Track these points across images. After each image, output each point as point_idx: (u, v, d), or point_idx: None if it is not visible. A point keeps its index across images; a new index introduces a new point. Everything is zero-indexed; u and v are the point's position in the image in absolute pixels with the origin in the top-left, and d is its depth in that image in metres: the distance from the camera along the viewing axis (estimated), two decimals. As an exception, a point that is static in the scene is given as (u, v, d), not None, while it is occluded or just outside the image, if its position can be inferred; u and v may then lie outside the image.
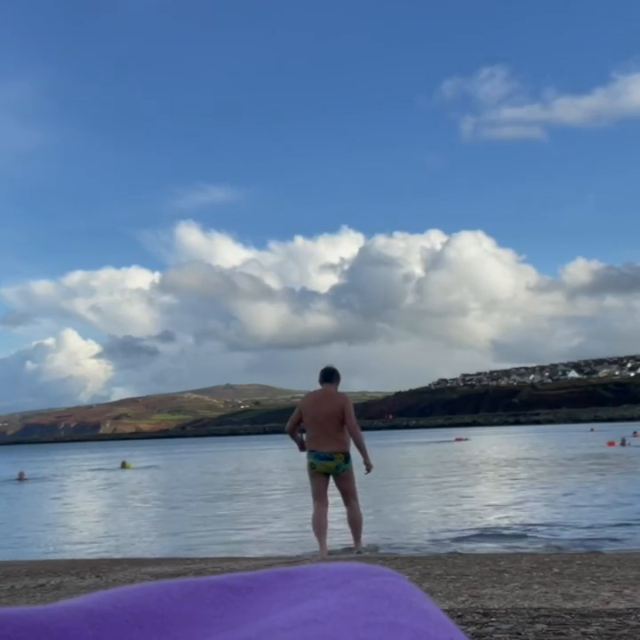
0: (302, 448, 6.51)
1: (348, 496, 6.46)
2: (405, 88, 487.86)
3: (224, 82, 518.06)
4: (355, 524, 6.51)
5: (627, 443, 29.77)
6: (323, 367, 6.65)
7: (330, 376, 6.56)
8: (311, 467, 6.44)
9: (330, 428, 6.32)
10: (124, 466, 30.41)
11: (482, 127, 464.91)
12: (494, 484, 14.60)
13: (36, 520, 11.99)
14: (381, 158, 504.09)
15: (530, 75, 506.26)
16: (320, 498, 6.41)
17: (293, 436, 6.59)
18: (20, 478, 25.08)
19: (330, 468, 6.39)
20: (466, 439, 50.83)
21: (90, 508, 13.99)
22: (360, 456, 6.50)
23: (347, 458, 6.43)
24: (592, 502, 10.52)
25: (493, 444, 40.67)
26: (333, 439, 6.33)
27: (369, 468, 6.59)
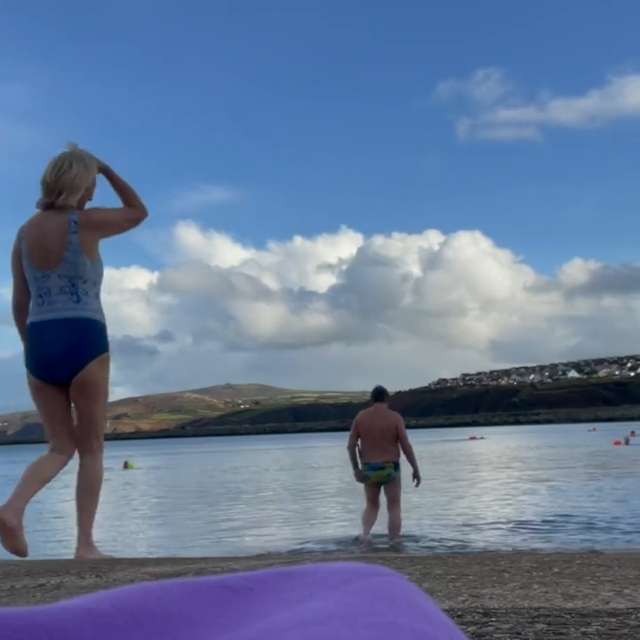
0: (360, 478, 7.24)
1: (393, 502, 7.16)
2: (402, 90, 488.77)
3: (223, 82, 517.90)
4: (394, 528, 7.13)
5: (630, 442, 30.03)
6: (374, 387, 7.47)
7: (381, 395, 7.38)
8: (366, 478, 7.22)
9: (383, 441, 7.10)
10: (126, 466, 30.40)
11: (478, 128, 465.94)
12: (518, 483, 14.61)
13: (42, 519, 12.00)
14: (379, 159, 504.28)
15: (525, 77, 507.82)
16: (373, 501, 7.20)
17: (353, 453, 7.28)
18: None
19: (381, 477, 7.15)
20: (481, 438, 50.97)
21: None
22: (411, 468, 7.20)
23: (396, 466, 7.19)
24: (596, 501, 10.53)
25: (510, 442, 40.87)
26: (385, 451, 7.10)
27: (418, 481, 7.28)
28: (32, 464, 3.67)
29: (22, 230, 3.69)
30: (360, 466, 7.26)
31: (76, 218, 3.52)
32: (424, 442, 47.41)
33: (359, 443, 7.30)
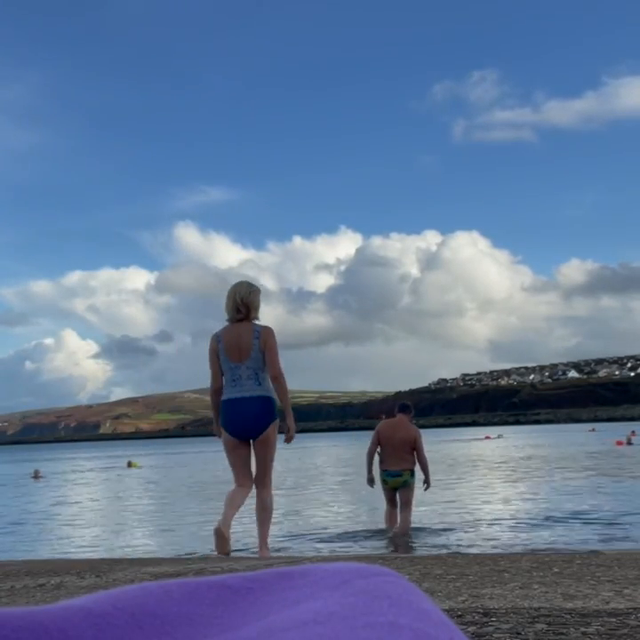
0: (370, 483, 7.95)
1: (406, 505, 7.83)
2: (398, 92, 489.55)
3: (222, 83, 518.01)
4: (403, 528, 7.79)
5: (632, 442, 30.13)
6: (400, 401, 8.31)
7: (406, 408, 8.07)
8: (384, 483, 7.89)
9: (401, 451, 7.76)
10: (130, 465, 30.52)
11: (474, 130, 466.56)
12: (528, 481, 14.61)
13: (43, 520, 12.00)
14: (378, 160, 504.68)
15: (520, 78, 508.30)
16: (392, 502, 7.94)
17: (370, 459, 7.95)
18: (36, 476, 25.04)
19: (398, 483, 7.81)
20: (497, 437, 51.35)
21: (97, 508, 14.00)
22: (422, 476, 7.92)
23: (412, 474, 7.87)
24: (598, 501, 10.53)
25: (519, 442, 40.96)
26: (403, 460, 7.79)
27: (428, 486, 7.99)
28: (228, 495, 5.30)
29: (219, 335, 5.26)
30: (379, 471, 7.95)
31: (259, 329, 5.20)
32: (444, 441, 47.55)
33: (379, 450, 7.98)
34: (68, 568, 5.33)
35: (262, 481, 5.31)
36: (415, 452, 7.91)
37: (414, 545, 7.44)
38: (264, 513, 5.33)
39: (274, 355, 5.24)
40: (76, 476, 27.26)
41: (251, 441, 5.27)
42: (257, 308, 5.29)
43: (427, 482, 7.99)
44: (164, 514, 12.00)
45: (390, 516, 8.00)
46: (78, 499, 16.06)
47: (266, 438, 5.19)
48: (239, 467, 5.25)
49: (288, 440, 5.45)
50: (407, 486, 7.87)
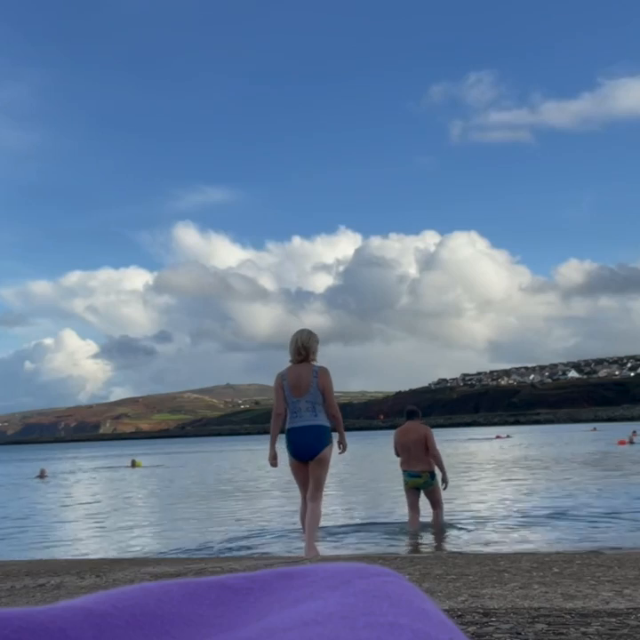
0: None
1: (435, 505, 8.40)
2: (395, 93, 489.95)
3: (222, 83, 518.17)
4: (437, 526, 8.29)
5: (634, 441, 30.23)
6: (407, 407, 8.97)
7: (412, 415, 8.70)
8: (405, 483, 8.42)
9: (418, 452, 8.35)
10: (133, 465, 30.52)
11: (471, 131, 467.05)
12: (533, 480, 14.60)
13: (43, 521, 12.00)
14: (376, 160, 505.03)
15: (517, 80, 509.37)
16: (413, 508, 8.42)
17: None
18: (42, 476, 25.01)
19: (418, 483, 8.33)
20: (507, 436, 51.58)
21: (100, 507, 13.99)
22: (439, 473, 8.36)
23: (432, 475, 8.34)
24: (600, 501, 10.53)
25: (526, 441, 41.05)
26: (420, 461, 8.34)
27: (446, 485, 8.35)
28: (301, 516, 6.41)
29: (284, 374, 6.29)
30: (400, 472, 8.54)
31: (317, 369, 6.21)
32: (455, 440, 47.63)
33: (400, 454, 8.59)
34: (68, 568, 5.33)
35: (314, 495, 6.27)
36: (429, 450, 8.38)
37: (414, 545, 7.46)
38: (313, 520, 6.24)
39: (331, 396, 6.33)
40: (81, 475, 27.27)
41: (309, 462, 6.31)
42: (315, 352, 6.37)
43: (444, 480, 8.32)
44: (167, 514, 12.00)
45: (412, 520, 8.42)
46: (87, 499, 16.07)
47: (320, 459, 6.19)
48: (303, 483, 6.33)
49: (342, 451, 6.55)
50: (431, 488, 8.36)
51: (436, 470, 8.40)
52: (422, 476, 8.32)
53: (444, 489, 8.40)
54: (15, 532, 10.34)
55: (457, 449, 32.42)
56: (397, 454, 8.65)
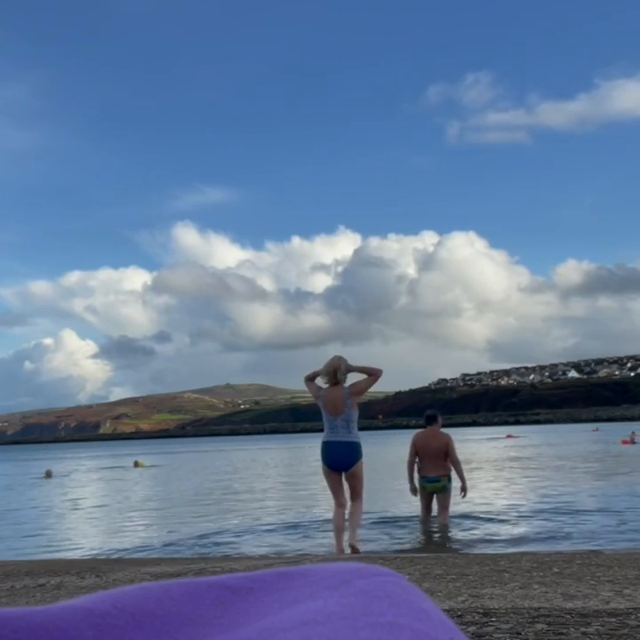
0: (413, 492, 8.76)
1: (443, 509, 8.70)
2: (393, 94, 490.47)
3: (221, 83, 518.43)
4: (441, 528, 8.55)
5: (636, 441, 30.30)
6: (427, 412, 9.24)
7: (432, 420, 8.96)
8: (423, 489, 8.70)
9: (437, 459, 8.65)
10: (136, 465, 30.61)
11: (468, 132, 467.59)
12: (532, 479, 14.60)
13: (43, 522, 12.00)
14: (375, 161, 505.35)
15: (514, 81, 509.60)
16: (427, 508, 8.82)
17: (411, 469, 8.82)
18: (48, 476, 25.01)
19: (436, 488, 8.66)
20: (518, 436, 51.92)
21: (105, 507, 14.00)
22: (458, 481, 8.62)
23: (449, 479, 8.65)
24: (601, 500, 10.53)
25: (532, 441, 41.21)
26: (439, 466, 8.66)
27: (465, 493, 8.64)
28: (334, 521, 7.00)
29: (322, 389, 6.99)
30: (417, 479, 8.72)
31: (348, 390, 6.90)
32: (471, 440, 47.71)
33: (416, 459, 8.81)
34: (68, 568, 5.33)
35: (354, 497, 6.97)
36: (449, 458, 8.65)
37: (415, 545, 7.47)
38: (355, 516, 6.91)
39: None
40: (86, 475, 27.27)
41: (342, 473, 6.99)
42: (345, 375, 7.12)
43: (463, 489, 8.52)
44: (167, 513, 12.00)
45: (425, 520, 8.76)
46: (95, 499, 16.08)
47: (354, 473, 6.90)
48: (335, 490, 6.98)
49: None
50: (445, 491, 8.61)
51: (453, 474, 8.59)
52: (441, 481, 8.56)
53: (463, 497, 8.61)
54: (25, 532, 10.35)
55: (470, 449, 32.41)
56: (412, 456, 8.78)
